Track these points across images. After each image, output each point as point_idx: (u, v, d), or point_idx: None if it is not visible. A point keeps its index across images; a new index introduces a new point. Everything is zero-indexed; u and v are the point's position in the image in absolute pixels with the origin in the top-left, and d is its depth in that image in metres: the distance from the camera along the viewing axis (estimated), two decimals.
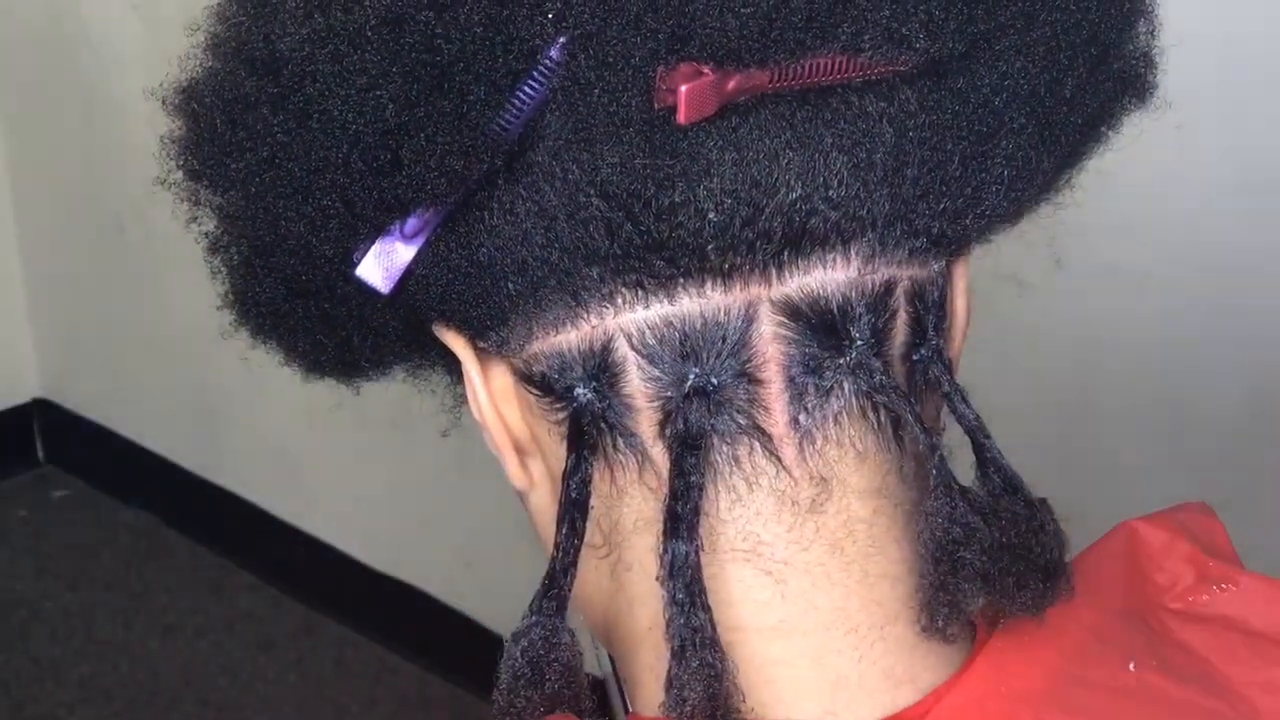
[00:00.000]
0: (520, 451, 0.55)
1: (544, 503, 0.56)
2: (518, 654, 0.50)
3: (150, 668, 2.41)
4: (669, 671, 0.48)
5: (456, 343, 0.53)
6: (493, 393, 0.54)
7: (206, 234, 0.55)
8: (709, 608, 0.48)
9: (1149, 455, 1.51)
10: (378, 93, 0.46)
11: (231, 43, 0.51)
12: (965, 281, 0.54)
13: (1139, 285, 1.47)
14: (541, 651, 0.50)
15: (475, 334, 0.53)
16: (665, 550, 0.49)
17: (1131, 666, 0.53)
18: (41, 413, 2.95)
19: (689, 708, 0.48)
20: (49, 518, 2.82)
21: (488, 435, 0.55)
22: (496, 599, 2.20)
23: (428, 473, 2.28)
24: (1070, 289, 1.51)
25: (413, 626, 2.39)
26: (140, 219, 2.56)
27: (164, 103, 0.53)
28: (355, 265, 0.50)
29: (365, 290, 0.50)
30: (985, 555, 0.49)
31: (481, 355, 0.53)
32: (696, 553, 0.49)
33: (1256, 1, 1.36)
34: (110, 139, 2.57)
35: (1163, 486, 1.48)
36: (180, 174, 0.53)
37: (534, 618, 0.50)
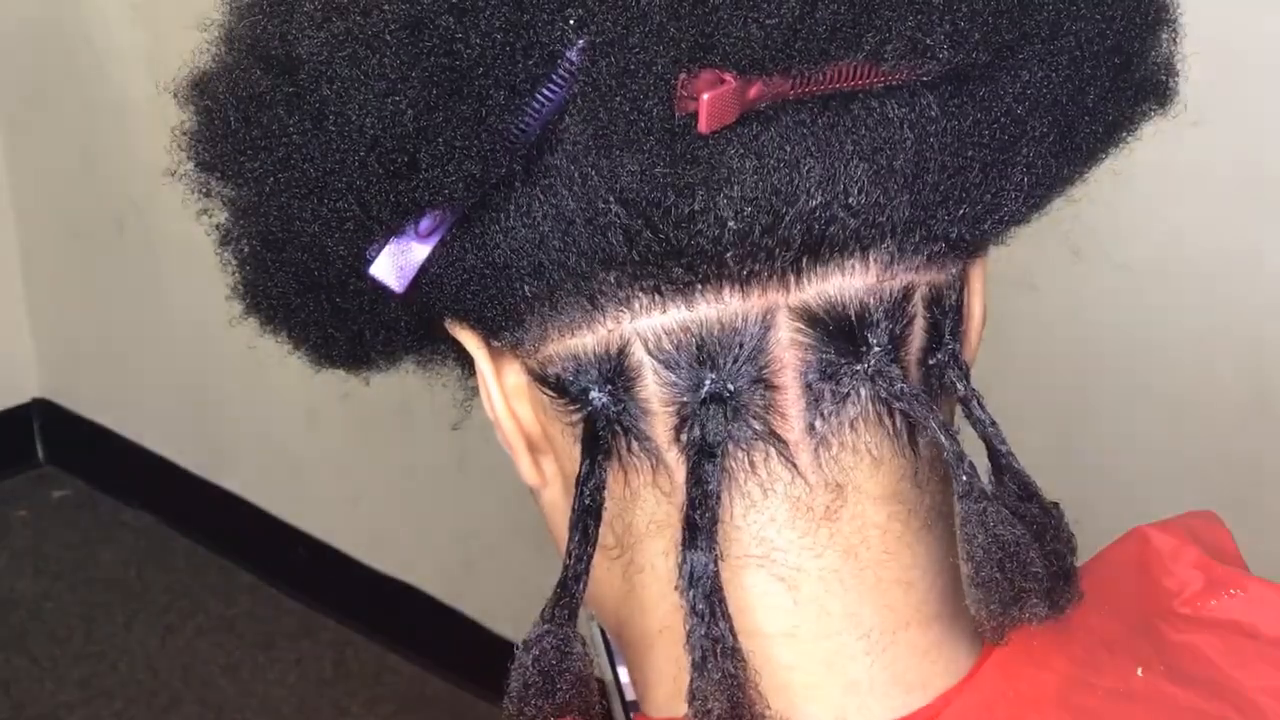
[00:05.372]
0: (533, 449, 0.55)
1: (556, 499, 0.56)
2: (529, 663, 0.50)
3: (150, 668, 2.41)
4: (690, 683, 0.48)
5: (470, 340, 0.53)
6: (506, 390, 0.54)
7: (217, 226, 0.55)
8: (729, 616, 0.48)
9: (1149, 455, 1.51)
10: (396, 97, 0.46)
11: (246, 39, 0.50)
12: (982, 283, 0.54)
13: (1143, 284, 1.47)
14: (553, 661, 0.50)
15: (489, 333, 0.52)
16: (684, 560, 0.49)
17: (1140, 672, 0.53)
18: (41, 413, 2.95)
19: (714, 719, 0.48)
20: (49, 518, 2.82)
21: (500, 433, 0.55)
22: (496, 599, 2.20)
23: (428, 473, 2.28)
24: (1076, 288, 1.51)
25: (413, 626, 2.39)
26: (140, 219, 2.56)
27: (175, 95, 0.53)
28: (369, 263, 0.50)
29: (378, 288, 0.50)
30: (1013, 562, 0.49)
31: (495, 353, 0.53)
32: (715, 562, 0.49)
33: (1267, 1, 1.37)
34: (110, 139, 2.56)
35: (1163, 487, 1.49)
36: (191, 166, 0.53)
37: (546, 626, 0.50)
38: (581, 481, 0.51)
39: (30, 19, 2.65)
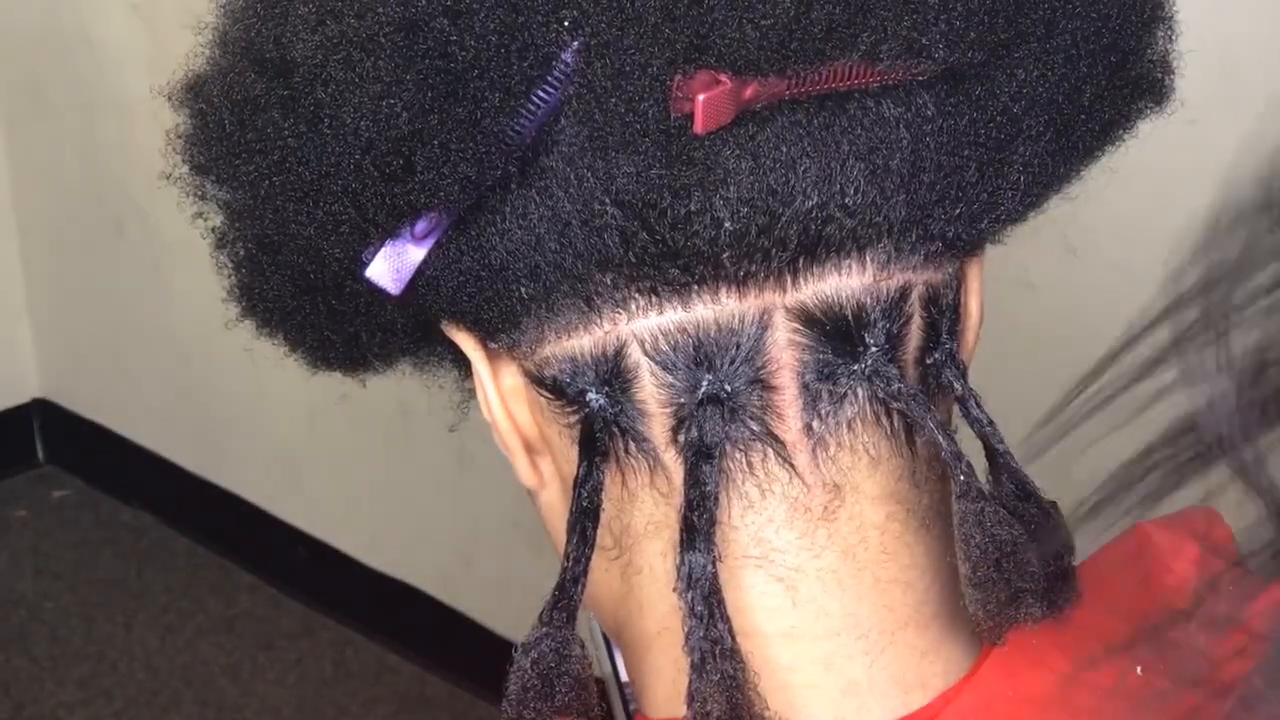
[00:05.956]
0: (530, 450, 0.55)
1: (554, 501, 0.56)
2: (527, 666, 0.50)
3: (150, 668, 2.41)
4: (689, 684, 0.48)
5: (466, 342, 0.53)
6: (503, 392, 0.54)
7: (213, 229, 0.55)
8: (728, 618, 0.48)
9: None
10: (391, 100, 0.45)
11: (241, 42, 0.50)
12: (979, 282, 0.54)
13: (1140, 283, 1.47)
14: (552, 664, 0.50)
15: (486, 335, 0.52)
16: (682, 562, 0.49)
17: (1139, 670, 0.53)
18: (41, 413, 2.95)
19: None
20: (49, 518, 2.82)
21: (497, 434, 0.55)
22: (496, 599, 2.20)
23: (428, 473, 2.28)
24: (1073, 287, 1.51)
25: (413, 626, 2.39)
26: (140, 219, 2.56)
27: (170, 98, 0.53)
28: (365, 265, 0.50)
29: (374, 290, 0.50)
30: (1010, 562, 0.49)
31: (492, 355, 0.53)
32: (713, 563, 0.48)
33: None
34: (110, 139, 2.56)
35: None
36: (186, 169, 0.53)
37: (544, 629, 0.50)
38: (579, 483, 0.50)
39: (30, 19, 2.65)
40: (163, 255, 2.53)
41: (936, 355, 0.51)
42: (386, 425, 2.26)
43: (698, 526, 0.48)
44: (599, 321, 0.49)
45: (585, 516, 0.50)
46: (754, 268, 0.47)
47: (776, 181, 0.47)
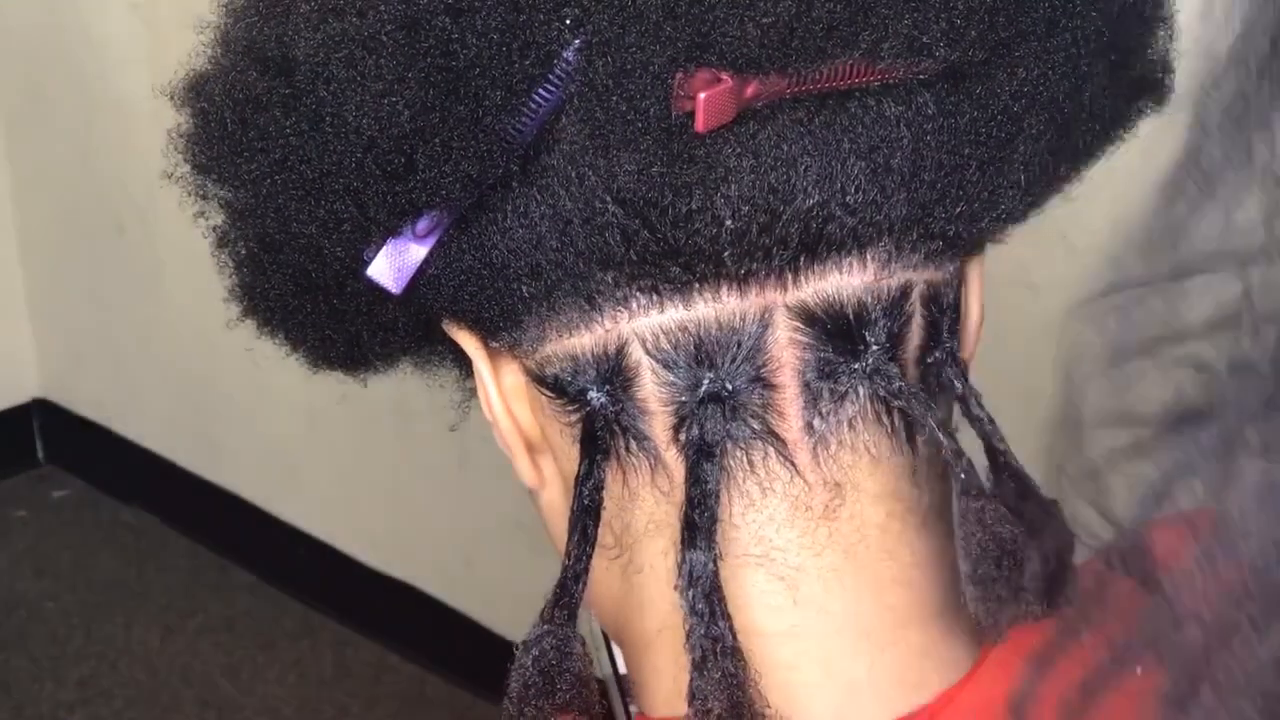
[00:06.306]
0: (531, 450, 0.55)
1: (555, 500, 0.56)
2: (529, 663, 0.50)
3: (150, 668, 2.41)
4: (691, 682, 0.48)
5: (468, 341, 0.53)
6: (504, 391, 0.54)
7: (214, 228, 0.55)
8: (729, 616, 0.48)
9: None
10: (393, 98, 0.46)
11: (242, 41, 0.50)
12: (979, 281, 0.54)
13: None
14: (553, 661, 0.50)
15: (487, 334, 0.52)
16: (683, 560, 0.49)
17: (1139, 670, 0.53)
18: (41, 413, 2.96)
19: (714, 718, 0.48)
20: (49, 518, 2.82)
21: (498, 433, 0.55)
22: (496, 599, 2.20)
23: (428, 473, 2.28)
24: (1073, 287, 1.51)
25: (413, 626, 2.39)
26: (140, 219, 2.56)
27: (172, 97, 0.53)
28: (366, 264, 0.50)
29: (376, 289, 0.50)
30: (1011, 560, 0.49)
31: (493, 354, 0.53)
32: (715, 562, 0.49)
33: None
34: (110, 139, 2.57)
35: None
36: (188, 168, 0.53)
37: (545, 627, 0.50)
38: (580, 481, 0.50)
39: (30, 19, 2.65)
40: (163, 255, 2.53)
41: (937, 354, 0.52)
42: (386, 425, 2.27)
43: (699, 525, 0.49)
44: (600, 320, 0.49)
45: (586, 515, 0.50)
46: (755, 266, 0.48)
47: (777, 180, 0.47)
